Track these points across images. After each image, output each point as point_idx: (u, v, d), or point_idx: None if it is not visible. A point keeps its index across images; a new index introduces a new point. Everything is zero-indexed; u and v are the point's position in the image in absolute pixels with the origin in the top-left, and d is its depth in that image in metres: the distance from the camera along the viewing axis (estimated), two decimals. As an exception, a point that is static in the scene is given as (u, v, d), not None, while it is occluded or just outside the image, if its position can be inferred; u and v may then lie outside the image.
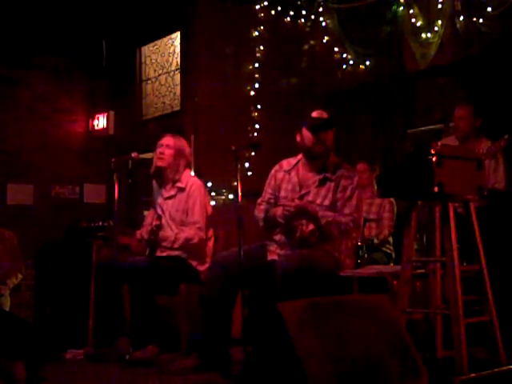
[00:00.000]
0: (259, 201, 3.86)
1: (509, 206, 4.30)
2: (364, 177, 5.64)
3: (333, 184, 3.64)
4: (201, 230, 4.15)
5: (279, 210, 3.63)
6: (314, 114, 3.70)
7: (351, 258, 3.80)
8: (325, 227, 3.53)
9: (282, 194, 3.76)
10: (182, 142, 4.39)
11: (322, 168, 3.70)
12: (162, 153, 4.28)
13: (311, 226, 3.53)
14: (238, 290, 3.63)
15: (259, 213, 3.80)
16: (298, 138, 3.74)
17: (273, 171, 3.89)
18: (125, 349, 3.95)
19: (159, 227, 4.19)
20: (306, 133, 3.67)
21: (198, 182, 4.34)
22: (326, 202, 3.62)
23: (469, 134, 4.50)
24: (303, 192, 3.69)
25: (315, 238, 3.54)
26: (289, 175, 3.79)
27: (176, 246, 4.14)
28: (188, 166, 4.42)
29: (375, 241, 5.27)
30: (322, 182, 3.67)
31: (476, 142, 4.45)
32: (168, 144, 4.30)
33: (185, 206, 4.21)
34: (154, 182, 4.46)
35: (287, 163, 3.85)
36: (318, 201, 3.63)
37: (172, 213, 4.25)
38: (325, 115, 3.70)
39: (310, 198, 3.65)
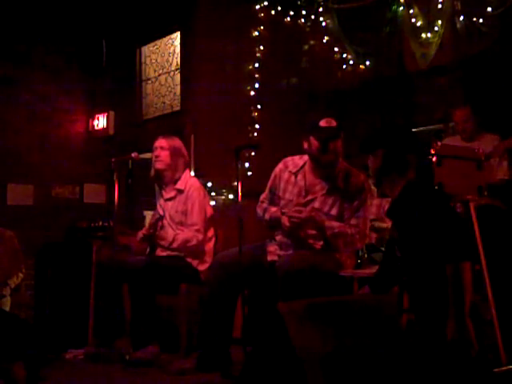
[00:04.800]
0: (261, 198, 3.80)
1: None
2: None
3: (341, 193, 3.52)
4: (199, 232, 4.15)
5: (284, 220, 3.52)
6: (323, 123, 3.49)
7: (352, 258, 3.78)
8: (330, 238, 3.47)
9: (287, 196, 3.64)
10: (176, 142, 4.39)
11: (330, 175, 3.57)
12: (157, 156, 4.29)
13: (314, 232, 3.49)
14: (238, 289, 3.63)
15: (260, 211, 3.77)
16: (306, 146, 3.57)
17: (277, 169, 3.74)
18: (125, 349, 3.96)
19: (159, 219, 4.19)
20: (314, 142, 3.51)
21: (196, 183, 4.34)
22: (333, 212, 3.52)
23: (474, 133, 4.79)
24: (309, 198, 3.57)
25: (319, 245, 3.51)
26: (295, 178, 3.64)
27: (174, 246, 4.15)
28: (187, 166, 4.42)
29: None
30: (329, 191, 3.55)
31: (479, 138, 4.72)
32: (162, 146, 4.31)
33: (184, 208, 4.22)
34: (155, 185, 4.46)
35: (293, 163, 3.70)
36: (325, 209, 3.53)
37: (172, 214, 4.26)
38: (333, 123, 3.50)
39: (316, 204, 3.54)
